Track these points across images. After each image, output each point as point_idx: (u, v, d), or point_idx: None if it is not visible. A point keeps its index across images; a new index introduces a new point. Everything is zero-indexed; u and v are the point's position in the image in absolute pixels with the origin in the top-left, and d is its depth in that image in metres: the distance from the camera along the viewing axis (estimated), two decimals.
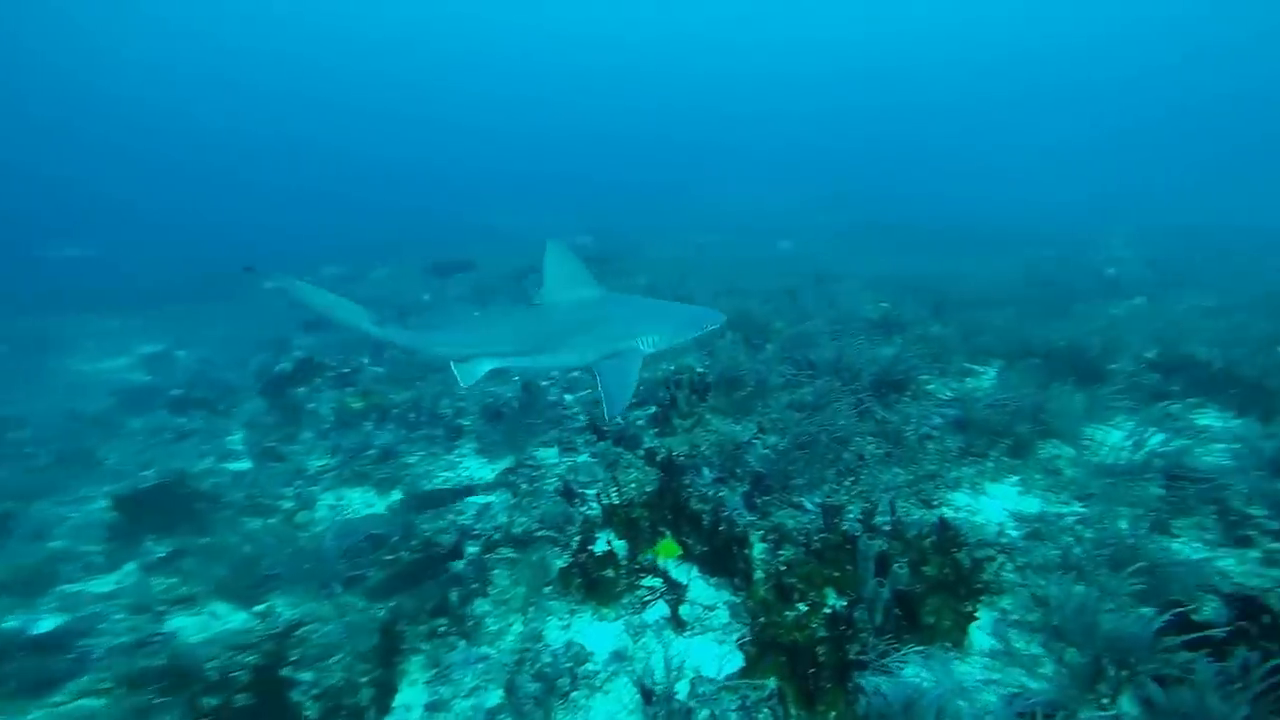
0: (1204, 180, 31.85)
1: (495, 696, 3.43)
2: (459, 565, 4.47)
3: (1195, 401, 5.41)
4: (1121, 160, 38.61)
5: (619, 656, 3.66)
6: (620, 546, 4.46)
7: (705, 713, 3.07)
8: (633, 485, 5.18)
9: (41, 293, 19.22)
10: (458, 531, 4.87)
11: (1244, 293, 10.41)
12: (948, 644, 3.26)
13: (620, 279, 12.89)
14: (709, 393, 6.05)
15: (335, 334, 11.27)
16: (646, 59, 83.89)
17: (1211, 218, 19.68)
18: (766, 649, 3.40)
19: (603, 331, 4.83)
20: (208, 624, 4.33)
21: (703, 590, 4.07)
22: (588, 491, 5.19)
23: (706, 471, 5.05)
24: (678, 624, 3.83)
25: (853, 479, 4.73)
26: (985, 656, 3.16)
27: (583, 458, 5.87)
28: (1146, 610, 2.96)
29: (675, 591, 4.08)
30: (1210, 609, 2.92)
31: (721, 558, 4.15)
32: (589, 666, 3.55)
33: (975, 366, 7.00)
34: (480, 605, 4.03)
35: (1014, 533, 3.96)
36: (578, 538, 4.54)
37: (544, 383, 7.58)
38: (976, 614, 3.35)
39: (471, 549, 4.63)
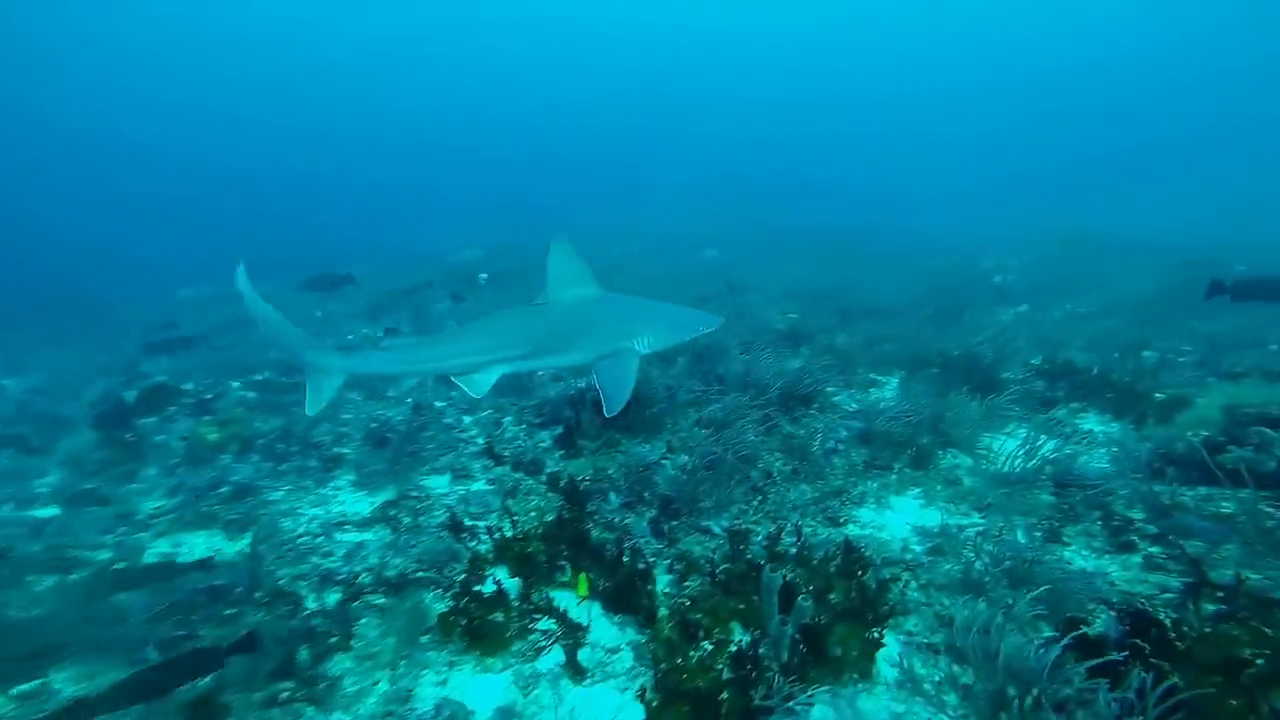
0: (1083, 189, 35.21)
1: None
2: (315, 616, 3.90)
3: (1078, 406, 5.67)
4: (1010, 173, 42.14)
5: (506, 714, 3.24)
6: (512, 585, 4.04)
7: None
8: (533, 514, 4.80)
9: None
10: (319, 576, 4.28)
11: (1111, 299, 11.37)
12: (855, 675, 3.08)
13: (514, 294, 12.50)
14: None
15: (197, 355, 10.17)
16: (559, 75, 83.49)
17: (1087, 226, 21.61)
18: (670, 698, 3.09)
19: (601, 332, 4.79)
20: None
21: (605, 630, 3.72)
22: (480, 524, 4.73)
23: (613, 497, 4.73)
24: (575, 671, 3.45)
25: (761, 498, 4.57)
26: (892, 688, 3.00)
27: (478, 486, 5.40)
28: (1047, 629, 2.91)
29: (574, 634, 3.71)
30: (1103, 621, 2.89)
31: (625, 593, 3.83)
32: None
33: (879, 376, 7.12)
34: (339, 662, 3.48)
35: (918, 548, 3.89)
36: (463, 577, 4.09)
37: (440, 404, 7.03)
38: (883, 640, 3.21)
39: (333, 596, 4.06)
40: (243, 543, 4.84)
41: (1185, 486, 3.96)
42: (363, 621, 3.79)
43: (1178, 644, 2.28)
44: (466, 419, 6.76)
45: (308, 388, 4.81)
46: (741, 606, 3.45)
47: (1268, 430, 3.74)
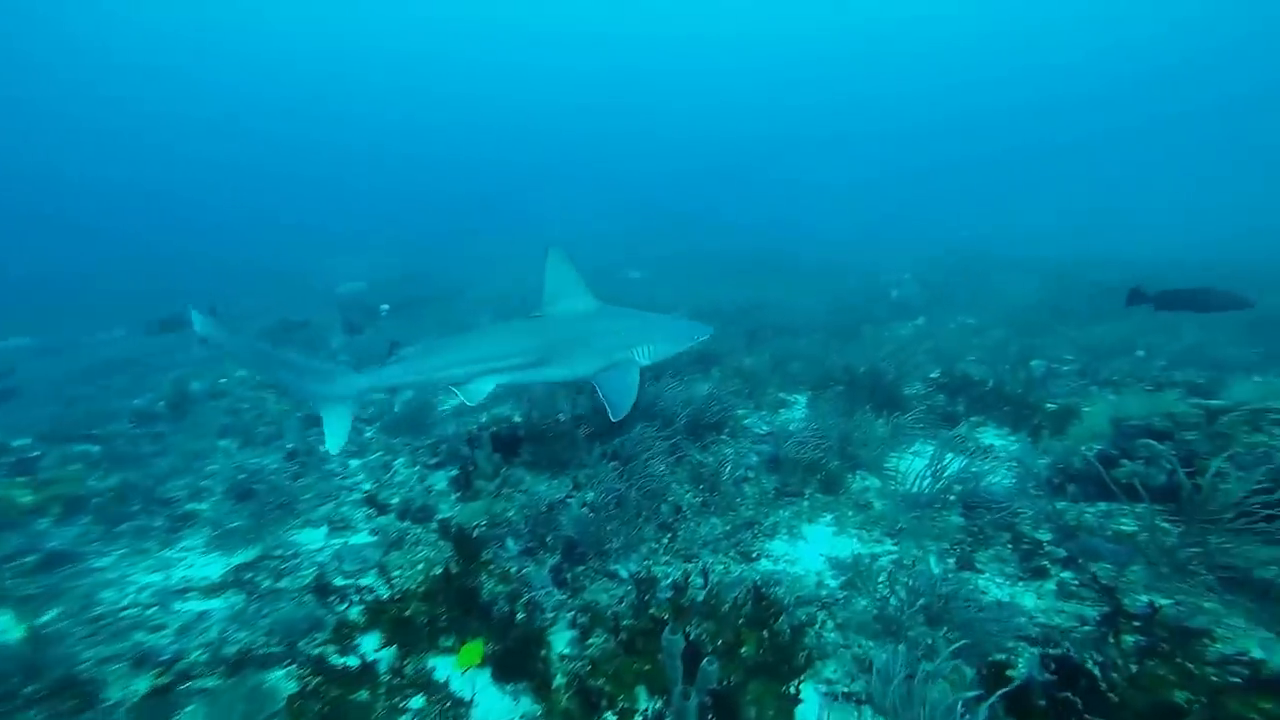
0: (966, 207, 38.17)
1: None
2: (115, 711, 3.13)
3: (978, 420, 5.75)
4: (908, 189, 45.18)
5: None
6: (385, 656, 3.45)
7: None
8: (420, 568, 4.22)
9: None
10: (136, 658, 3.49)
11: (998, 309, 12.08)
12: None
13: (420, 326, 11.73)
14: (522, 446, 5.25)
15: (35, 408, 8.73)
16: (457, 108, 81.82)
17: (971, 240, 23.31)
18: None
19: (601, 344, 4.82)
20: None
21: (494, 703, 3.21)
22: (354, 583, 4.09)
23: (511, 543, 4.22)
24: None
25: (671, 535, 4.21)
26: None
27: (359, 538, 4.72)
28: (968, 669, 2.70)
29: (455, 710, 3.16)
30: (1025, 661, 2.72)
31: (519, 657, 3.34)
32: None
33: (788, 395, 7.02)
34: None
35: (832, 583, 3.65)
36: (323, 649, 3.46)
37: (323, 448, 6.23)
38: (801, 694, 2.90)
39: (140, 685, 3.30)
40: (42, 618, 3.92)
41: (1086, 502, 3.98)
42: (185, 712, 3.07)
43: (1110, 695, 2.10)
44: (353, 463, 6.04)
45: (325, 422, 4.54)
46: (647, 668, 3.06)
47: (1155, 443, 3.81)
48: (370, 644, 3.54)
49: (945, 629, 2.90)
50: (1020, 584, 3.30)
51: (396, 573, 4.17)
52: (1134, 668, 2.22)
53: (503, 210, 42.24)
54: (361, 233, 36.09)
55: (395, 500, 5.13)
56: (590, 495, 4.54)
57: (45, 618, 3.91)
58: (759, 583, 3.64)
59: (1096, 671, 2.24)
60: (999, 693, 2.20)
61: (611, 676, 3.05)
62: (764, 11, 73.79)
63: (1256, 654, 2.44)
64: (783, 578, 3.72)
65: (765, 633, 2.95)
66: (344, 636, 3.61)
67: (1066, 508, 3.96)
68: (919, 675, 2.37)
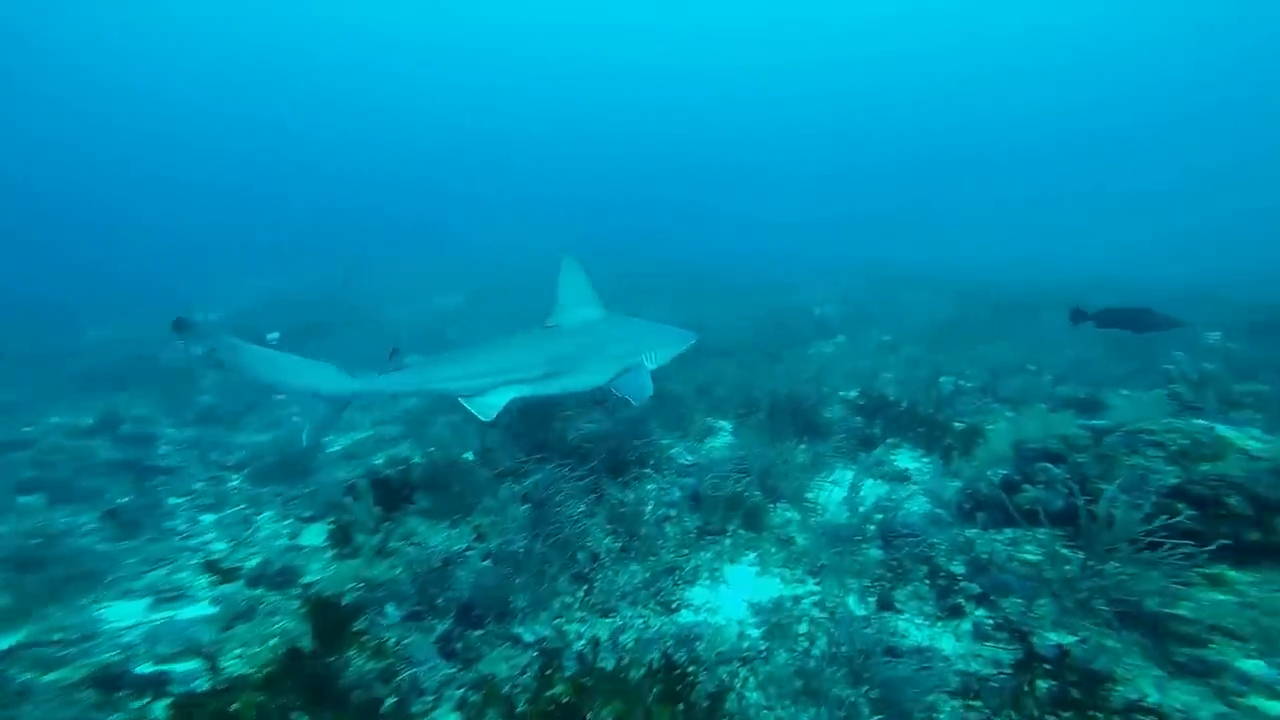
0: (879, 226, 40.18)
1: None
2: None
3: (894, 442, 5.84)
4: (824, 215, 47.10)
5: None
6: None
7: None
8: (270, 645, 3.68)
9: None
10: None
11: (910, 327, 12.62)
12: None
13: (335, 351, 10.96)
14: (417, 491, 4.84)
15: None
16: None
17: (885, 259, 24.40)
18: None
19: (614, 351, 4.99)
20: None
21: None
22: (173, 668, 3.53)
23: (392, 609, 3.81)
24: None
25: (587, 588, 3.95)
26: None
27: (193, 610, 4.13)
28: None
29: None
30: (946, 714, 2.64)
31: None
32: None
33: (715, 422, 6.95)
34: None
35: (754, 632, 3.50)
36: None
37: (175, 499, 5.57)
38: None
39: None
40: None
41: (995, 529, 4.05)
42: None
43: None
44: (206, 518, 5.39)
45: (305, 417, 4.67)
46: None
47: (1051, 466, 3.93)
48: None
49: (866, 687, 2.79)
50: (939, 624, 3.26)
51: (235, 654, 3.62)
52: None
53: (434, 232, 40.84)
54: (270, 248, 33.71)
55: (252, 562, 4.56)
56: (495, 545, 4.21)
57: None
58: (679, 639, 3.45)
59: None
60: None
61: None
62: (693, 46, 76.03)
63: (1153, 697, 2.47)
64: (703, 630, 3.53)
65: (681, 706, 2.74)
66: None
67: (977, 536, 4.00)
68: None
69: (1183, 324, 6.04)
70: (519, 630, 3.59)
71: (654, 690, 2.77)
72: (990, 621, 3.12)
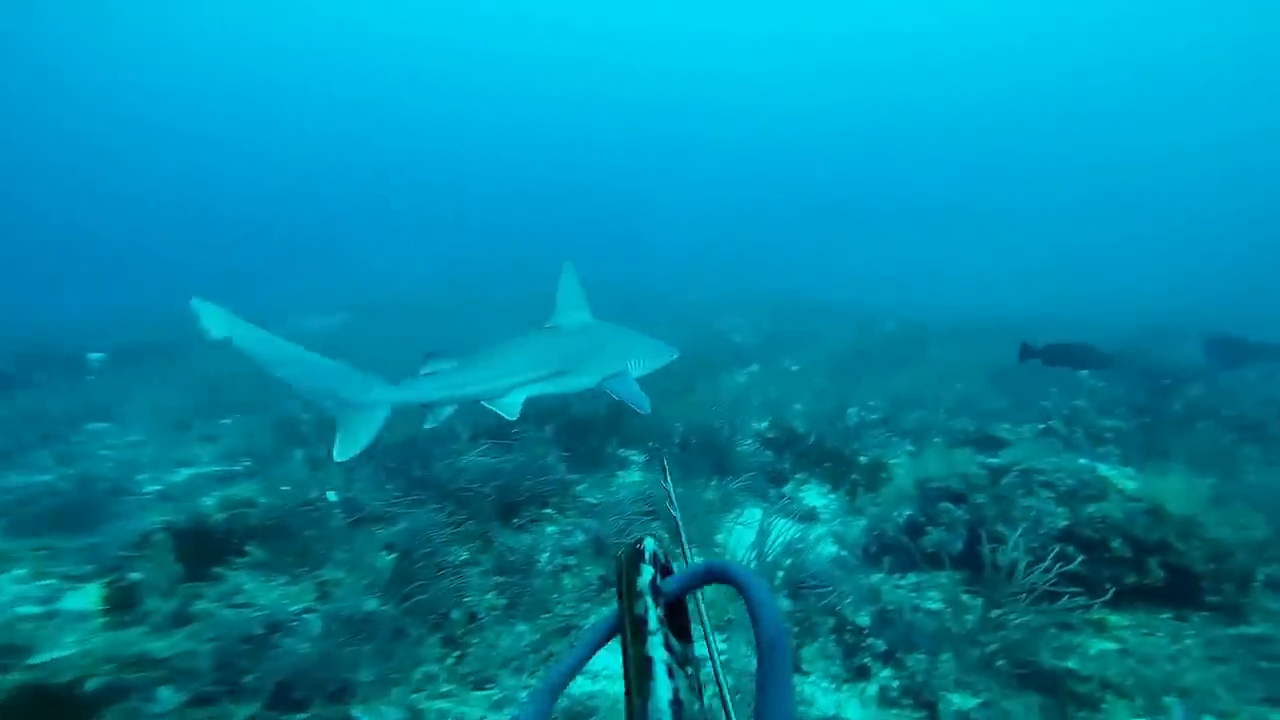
0: (806, 256, 41.88)
1: None
2: None
3: (803, 478, 5.80)
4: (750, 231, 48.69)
5: None
6: None
7: None
8: None
9: None
10: None
11: (819, 356, 13.00)
12: None
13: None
14: (252, 541, 4.15)
15: None
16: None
17: (792, 289, 25.35)
18: None
19: (607, 355, 5.28)
20: None
21: None
22: None
23: (167, 694, 3.09)
24: None
25: (459, 654, 3.49)
26: None
27: None
28: None
29: None
30: None
31: None
32: None
33: (628, 454, 6.68)
34: None
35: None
36: None
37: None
38: None
39: None
40: None
41: (899, 574, 4.00)
42: None
43: None
44: None
45: (339, 428, 4.47)
46: None
47: (953, 507, 3.95)
48: None
49: None
50: (845, 688, 3.10)
51: None
52: None
53: (320, 246, 38.43)
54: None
55: None
56: (345, 603, 3.62)
57: None
58: (572, 713, 3.09)
59: None
60: None
61: None
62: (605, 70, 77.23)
63: None
64: (601, 702, 3.19)
65: None
66: None
67: (883, 581, 3.94)
68: None
69: (1114, 362, 6.44)
70: (357, 713, 3.07)
71: None
72: (896, 683, 3.00)
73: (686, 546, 1.05)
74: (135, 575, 3.73)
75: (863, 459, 5.97)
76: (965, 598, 3.46)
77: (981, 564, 3.59)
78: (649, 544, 0.76)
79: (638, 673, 0.58)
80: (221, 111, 70.97)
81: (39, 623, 3.53)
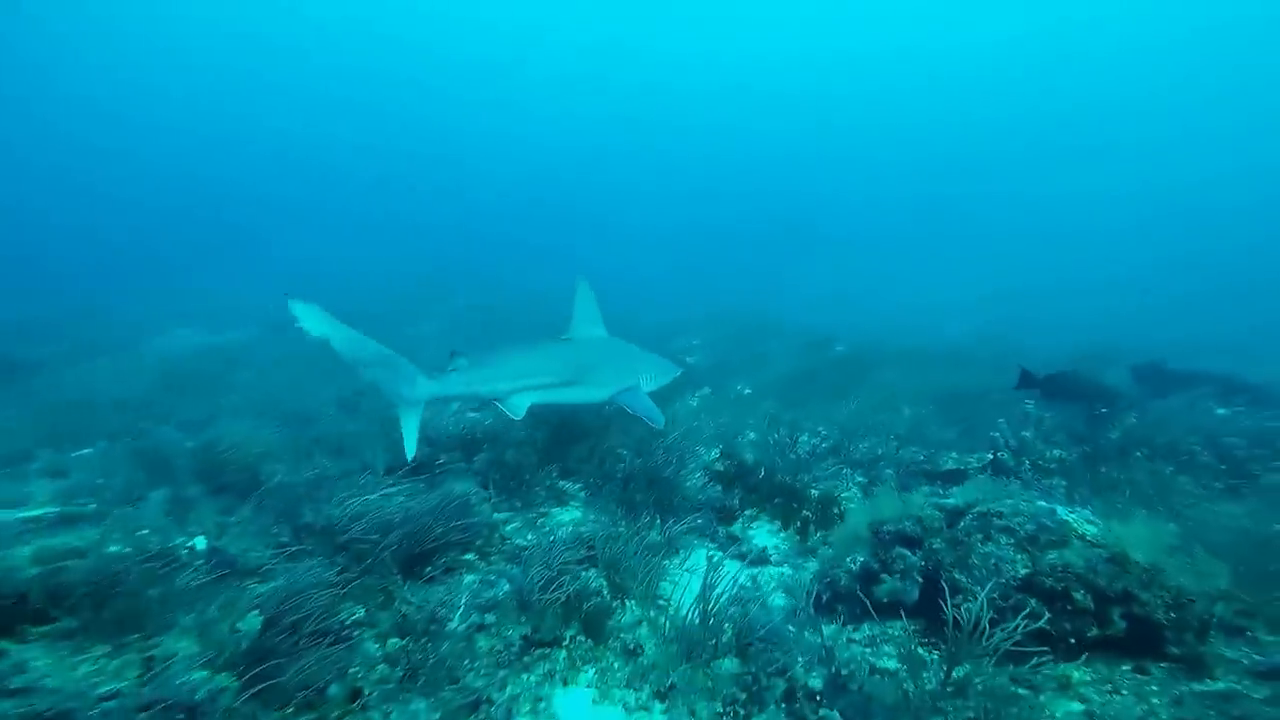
0: (759, 273, 42.19)
1: None
2: None
3: (752, 514, 5.51)
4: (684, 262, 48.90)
5: None
6: None
7: None
8: None
9: None
10: None
11: (768, 379, 12.89)
12: None
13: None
14: (65, 604, 3.42)
15: None
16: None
17: (741, 308, 25.35)
18: None
19: (618, 368, 5.52)
20: None
21: None
22: None
23: None
24: None
25: None
26: None
27: None
28: None
29: None
30: None
31: None
32: None
33: (568, 486, 6.25)
34: None
35: None
36: None
37: None
38: None
39: None
40: None
41: (853, 625, 3.73)
42: None
43: None
44: None
45: (403, 425, 4.79)
46: None
47: (908, 554, 3.71)
48: None
49: None
50: None
51: None
52: None
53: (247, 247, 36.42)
54: None
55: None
56: (170, 686, 3.01)
57: None
58: None
59: None
60: None
61: None
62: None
63: None
64: None
65: None
66: None
67: (836, 634, 3.66)
68: None
69: (1122, 397, 6.23)
70: None
71: None
72: None
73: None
74: None
75: (814, 492, 5.75)
76: (922, 651, 3.20)
77: (939, 612, 3.36)
78: None
79: None
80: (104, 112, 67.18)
81: None
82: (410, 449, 4.77)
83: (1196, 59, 56.98)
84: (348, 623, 3.66)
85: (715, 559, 4.46)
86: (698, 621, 3.74)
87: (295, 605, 3.53)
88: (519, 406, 5.05)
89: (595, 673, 3.55)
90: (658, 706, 3.28)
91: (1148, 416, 6.53)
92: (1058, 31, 59.96)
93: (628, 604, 4.16)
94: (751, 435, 7.95)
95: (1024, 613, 2.85)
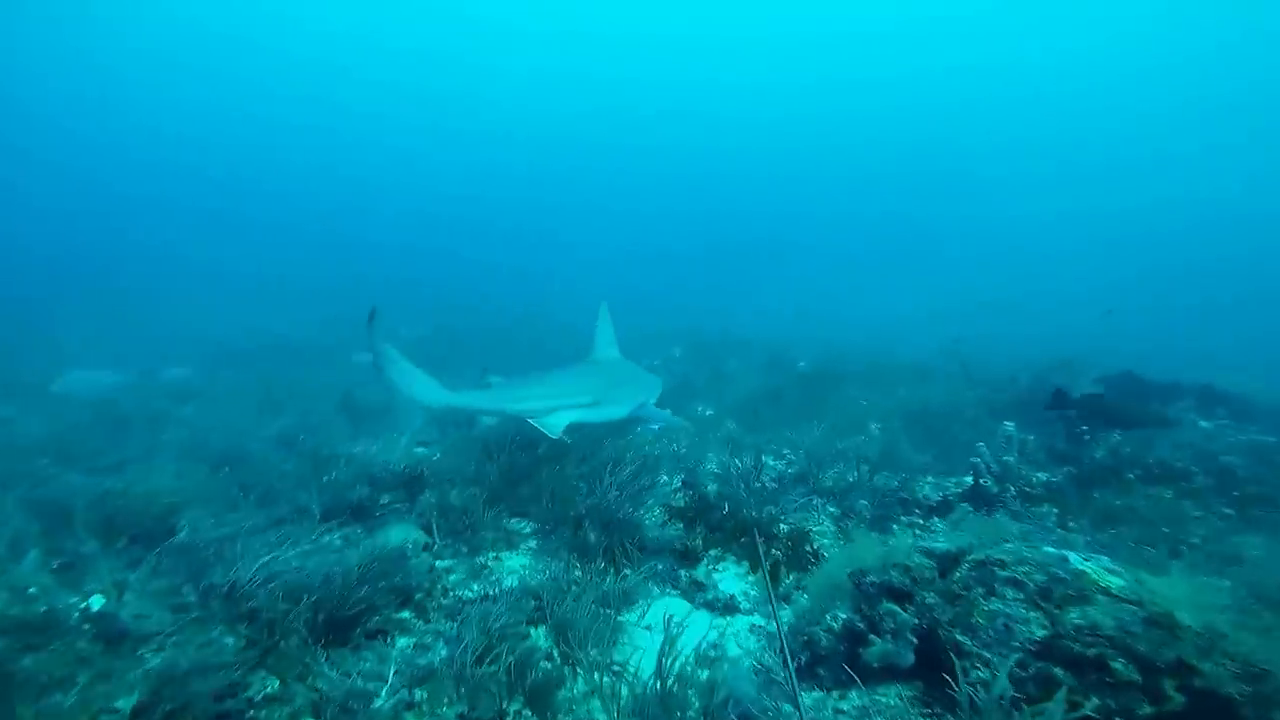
0: (721, 290, 41.97)
1: None
2: None
3: (717, 554, 4.94)
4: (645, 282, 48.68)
5: None
6: None
7: None
8: None
9: None
10: None
11: (730, 399, 12.31)
12: None
13: None
14: None
15: None
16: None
17: (716, 324, 24.97)
18: None
19: (635, 389, 6.16)
20: None
21: None
22: None
23: None
24: None
25: None
26: None
27: None
28: None
29: None
30: None
31: None
32: None
33: (518, 526, 5.57)
34: None
35: None
36: None
37: None
38: None
39: None
40: None
41: (838, 691, 3.18)
42: None
43: None
44: None
45: (403, 420, 5.38)
46: None
47: (898, 610, 3.19)
48: None
49: None
50: None
51: None
52: None
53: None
54: None
55: None
56: None
57: None
58: None
59: None
60: None
61: None
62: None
63: None
64: None
65: None
66: None
67: (820, 705, 3.10)
68: None
69: (1174, 423, 5.57)
70: None
71: None
72: None
73: None
74: None
75: (784, 526, 5.22)
76: None
77: (937, 673, 2.85)
78: None
79: None
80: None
81: None
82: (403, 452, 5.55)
83: (1158, 84, 59.84)
84: (256, 700, 2.96)
85: (677, 619, 3.85)
86: (656, 691, 3.14)
87: (191, 679, 2.85)
88: (556, 425, 5.29)
89: None
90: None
91: (1130, 432, 6.25)
92: (1023, 55, 62.35)
93: (579, 673, 3.51)
94: (713, 466, 7.37)
95: (1044, 682, 2.35)
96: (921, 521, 5.42)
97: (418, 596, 4.36)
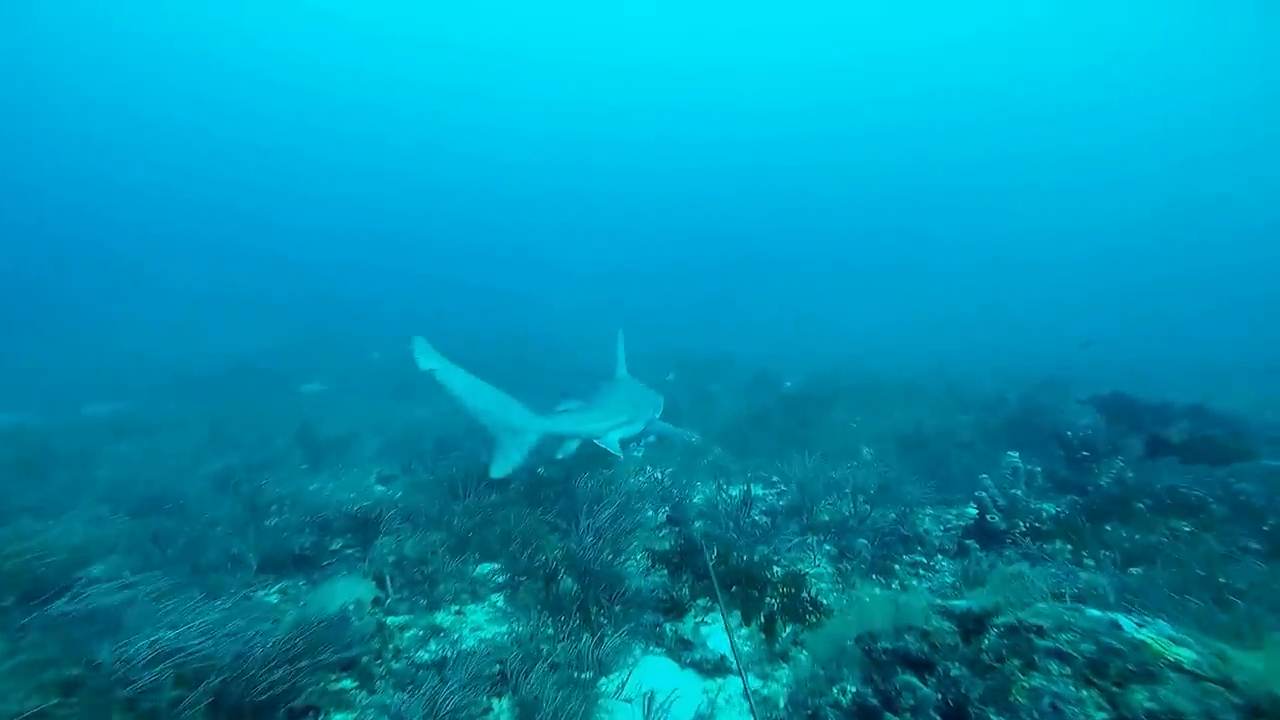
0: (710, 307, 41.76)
1: None
2: None
3: (705, 604, 4.44)
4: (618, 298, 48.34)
5: None
6: None
7: None
8: None
9: None
10: None
11: (713, 422, 11.90)
12: None
13: None
14: None
15: None
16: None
17: (705, 342, 24.68)
18: None
19: (649, 405, 6.81)
20: None
21: None
22: None
23: None
24: None
25: None
26: None
27: None
28: None
29: None
30: None
31: None
32: None
33: (485, 573, 5.04)
34: None
35: None
36: None
37: None
38: None
39: None
40: None
41: None
42: None
43: None
44: None
45: (498, 447, 5.29)
46: None
47: (918, 684, 2.74)
48: None
49: None
50: None
51: None
52: None
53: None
54: None
55: None
56: None
57: None
58: None
59: None
60: None
61: None
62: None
63: None
64: None
65: None
66: None
67: None
68: None
69: (1257, 455, 5.38)
70: None
71: None
72: None
73: None
74: None
75: (777, 570, 4.76)
76: None
77: None
78: None
79: None
80: None
81: None
82: (499, 470, 5.22)
83: (1154, 100, 61.48)
84: None
85: (662, 688, 3.35)
86: None
87: None
88: (614, 442, 5.71)
89: None
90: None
91: (1131, 457, 5.89)
92: (1016, 72, 63.63)
93: None
94: (700, 499, 6.88)
95: None
96: (925, 561, 5.00)
97: (364, 660, 3.83)
